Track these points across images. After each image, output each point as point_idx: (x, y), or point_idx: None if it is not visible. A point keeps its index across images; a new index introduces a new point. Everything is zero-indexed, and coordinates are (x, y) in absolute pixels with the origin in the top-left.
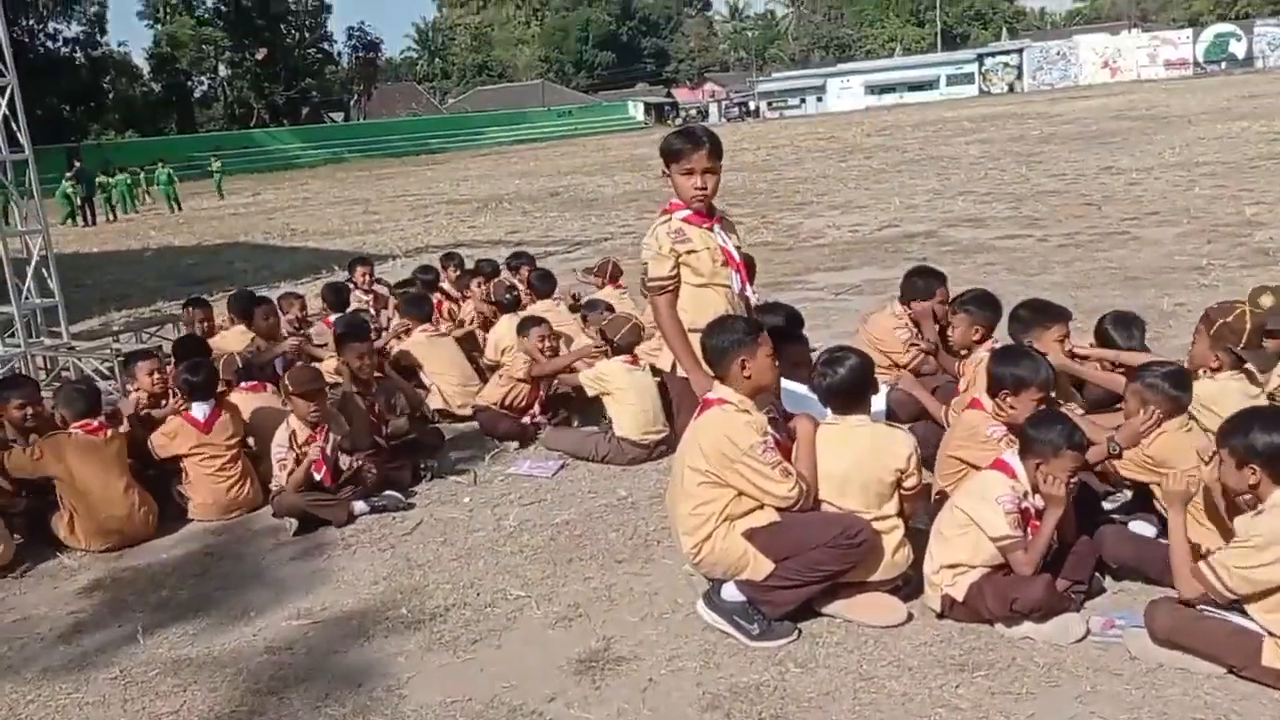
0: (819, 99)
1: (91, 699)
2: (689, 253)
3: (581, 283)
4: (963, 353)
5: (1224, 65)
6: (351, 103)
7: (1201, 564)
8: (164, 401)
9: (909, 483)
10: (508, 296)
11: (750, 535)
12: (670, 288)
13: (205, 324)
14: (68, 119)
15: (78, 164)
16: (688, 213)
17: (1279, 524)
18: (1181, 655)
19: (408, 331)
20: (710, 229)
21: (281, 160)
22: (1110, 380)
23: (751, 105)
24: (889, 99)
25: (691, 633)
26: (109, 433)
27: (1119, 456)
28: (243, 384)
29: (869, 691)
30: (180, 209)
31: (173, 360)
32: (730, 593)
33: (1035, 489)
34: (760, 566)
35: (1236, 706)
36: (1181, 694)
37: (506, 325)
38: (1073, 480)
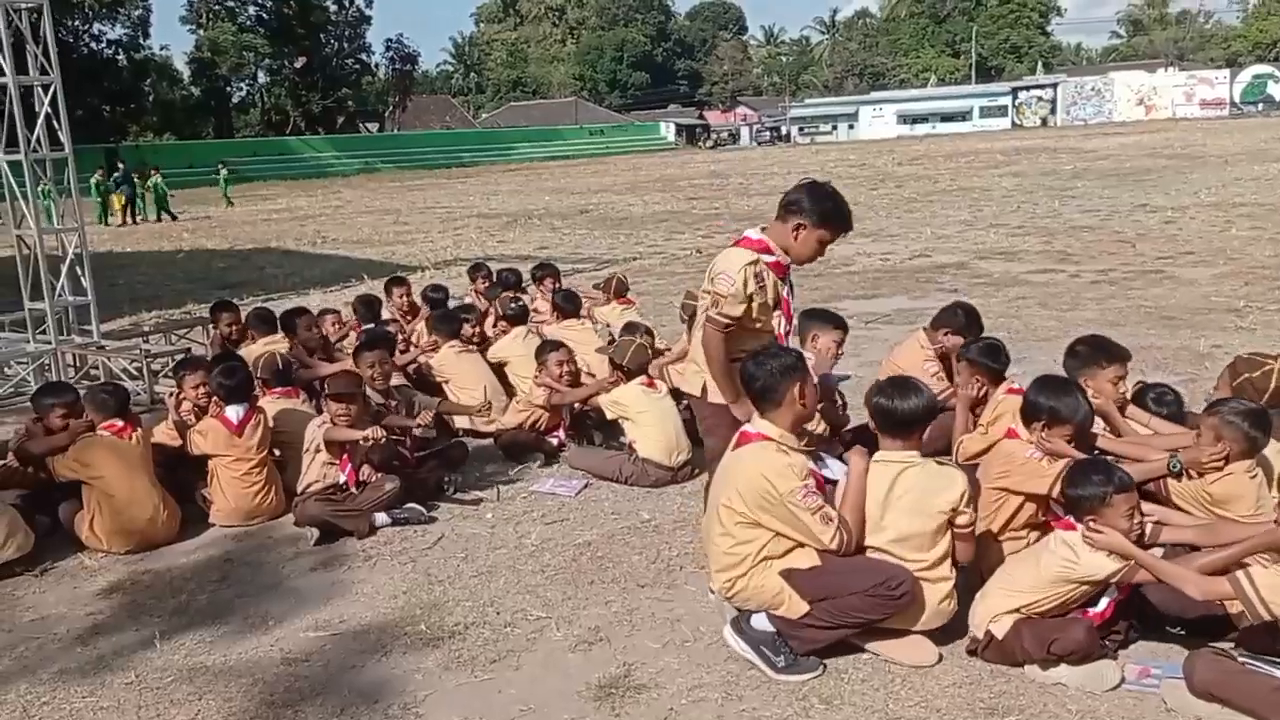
0: (851, 126)
1: (106, 703)
2: (760, 304)
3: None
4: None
5: (1261, 106)
6: (386, 114)
7: (1240, 574)
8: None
9: (961, 520)
10: (512, 308)
11: (788, 575)
12: (733, 329)
13: (233, 327)
14: (107, 119)
15: (121, 165)
16: (773, 259)
17: None
18: (1220, 709)
19: (435, 347)
20: (782, 278)
21: (315, 168)
22: (1144, 446)
23: (783, 130)
24: (921, 129)
25: (714, 662)
26: (135, 435)
27: (1179, 476)
28: (276, 389)
29: None
30: (170, 219)
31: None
32: (760, 622)
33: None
34: (795, 606)
35: None
36: None
37: (510, 339)
38: (1137, 522)
